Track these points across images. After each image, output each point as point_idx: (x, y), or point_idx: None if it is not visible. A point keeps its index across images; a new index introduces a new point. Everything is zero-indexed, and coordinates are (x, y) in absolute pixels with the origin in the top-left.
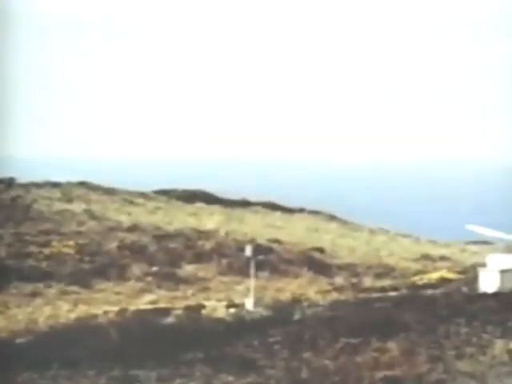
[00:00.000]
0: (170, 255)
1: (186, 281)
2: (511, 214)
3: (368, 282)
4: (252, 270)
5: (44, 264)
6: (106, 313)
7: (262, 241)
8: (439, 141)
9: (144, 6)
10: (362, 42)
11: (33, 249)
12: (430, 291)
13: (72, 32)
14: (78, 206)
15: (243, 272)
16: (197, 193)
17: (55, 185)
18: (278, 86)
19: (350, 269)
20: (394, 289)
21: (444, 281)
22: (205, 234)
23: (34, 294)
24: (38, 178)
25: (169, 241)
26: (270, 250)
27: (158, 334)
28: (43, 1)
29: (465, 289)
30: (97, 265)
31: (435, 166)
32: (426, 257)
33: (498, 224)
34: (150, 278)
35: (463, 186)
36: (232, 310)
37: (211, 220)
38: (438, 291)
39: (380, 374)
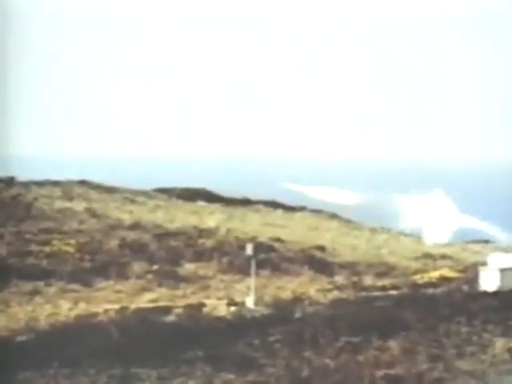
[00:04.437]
0: (171, 253)
1: (187, 279)
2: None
3: (369, 280)
4: (253, 269)
5: (44, 262)
6: (106, 311)
7: (262, 239)
8: (440, 140)
9: (145, 4)
10: (361, 41)
11: (33, 247)
12: (430, 290)
13: (71, 31)
14: (78, 205)
15: (244, 270)
16: (198, 191)
17: (56, 183)
18: (278, 84)
19: (351, 267)
20: (395, 287)
21: (445, 279)
22: (206, 233)
23: (35, 293)
24: (39, 176)
25: (169, 239)
26: (270, 249)
27: (158, 333)
28: (44, 2)
29: (465, 287)
30: (97, 263)
31: (435, 164)
32: (427, 255)
33: (499, 222)
34: (150, 277)
35: (464, 185)
36: (233, 309)
37: (212, 218)
38: (438, 290)
39: (381, 373)
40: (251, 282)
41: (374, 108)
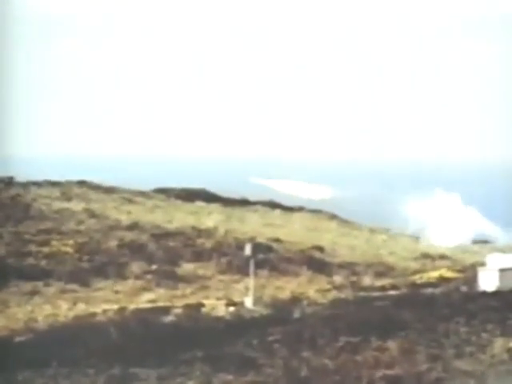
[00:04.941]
0: (170, 254)
1: (186, 279)
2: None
3: (368, 280)
4: (251, 269)
5: (43, 263)
6: (105, 311)
7: (261, 239)
8: (440, 140)
9: (144, 5)
10: (361, 41)
11: (32, 248)
12: (429, 290)
13: (71, 32)
14: (77, 205)
15: (243, 270)
16: (196, 191)
17: (55, 184)
18: (278, 84)
19: (350, 267)
20: (394, 288)
21: (443, 280)
22: (204, 233)
23: (34, 293)
24: (38, 176)
25: (168, 239)
26: (269, 249)
27: (157, 333)
28: (43, 1)
29: (464, 288)
30: (96, 263)
31: (435, 164)
32: (426, 256)
33: (498, 223)
34: (149, 277)
35: (464, 185)
36: (231, 309)
37: (211, 219)
38: (437, 290)
39: (380, 373)
40: (250, 282)
41: (373, 108)
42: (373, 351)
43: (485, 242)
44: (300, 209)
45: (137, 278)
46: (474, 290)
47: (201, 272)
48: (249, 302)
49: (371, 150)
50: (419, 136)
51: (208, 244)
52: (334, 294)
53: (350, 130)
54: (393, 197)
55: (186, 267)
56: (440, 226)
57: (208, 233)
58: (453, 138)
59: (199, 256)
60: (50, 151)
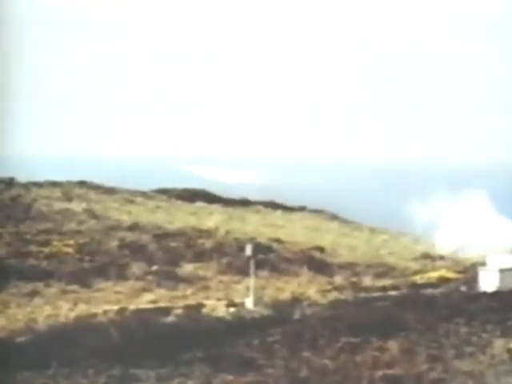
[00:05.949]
0: (170, 254)
1: (186, 280)
2: None
3: (368, 281)
4: (252, 269)
5: (44, 263)
6: (105, 312)
7: (262, 240)
8: (441, 140)
9: (145, 5)
10: (362, 39)
11: (33, 248)
12: (430, 290)
13: (71, 32)
14: (78, 205)
15: (243, 271)
16: (197, 192)
17: (55, 184)
18: (280, 84)
19: (350, 268)
20: (394, 288)
21: (444, 280)
22: (205, 233)
23: (34, 294)
24: (38, 177)
25: (169, 240)
26: (270, 249)
27: (157, 334)
28: (43, 1)
29: (464, 288)
30: (97, 264)
31: (435, 164)
32: (426, 256)
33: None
34: (149, 277)
35: (463, 185)
36: (232, 310)
37: (211, 219)
38: (438, 290)
39: (380, 373)
40: (250, 282)
41: (373, 107)
42: (373, 351)
43: (488, 241)
44: (301, 209)
45: (137, 278)
46: (474, 290)
47: (201, 272)
48: (249, 302)
49: (371, 148)
50: (421, 135)
51: (208, 244)
52: (334, 295)
53: (350, 128)
54: (394, 195)
55: (187, 268)
56: (443, 226)
57: (209, 233)
58: (456, 138)
59: (200, 256)
60: (50, 151)
